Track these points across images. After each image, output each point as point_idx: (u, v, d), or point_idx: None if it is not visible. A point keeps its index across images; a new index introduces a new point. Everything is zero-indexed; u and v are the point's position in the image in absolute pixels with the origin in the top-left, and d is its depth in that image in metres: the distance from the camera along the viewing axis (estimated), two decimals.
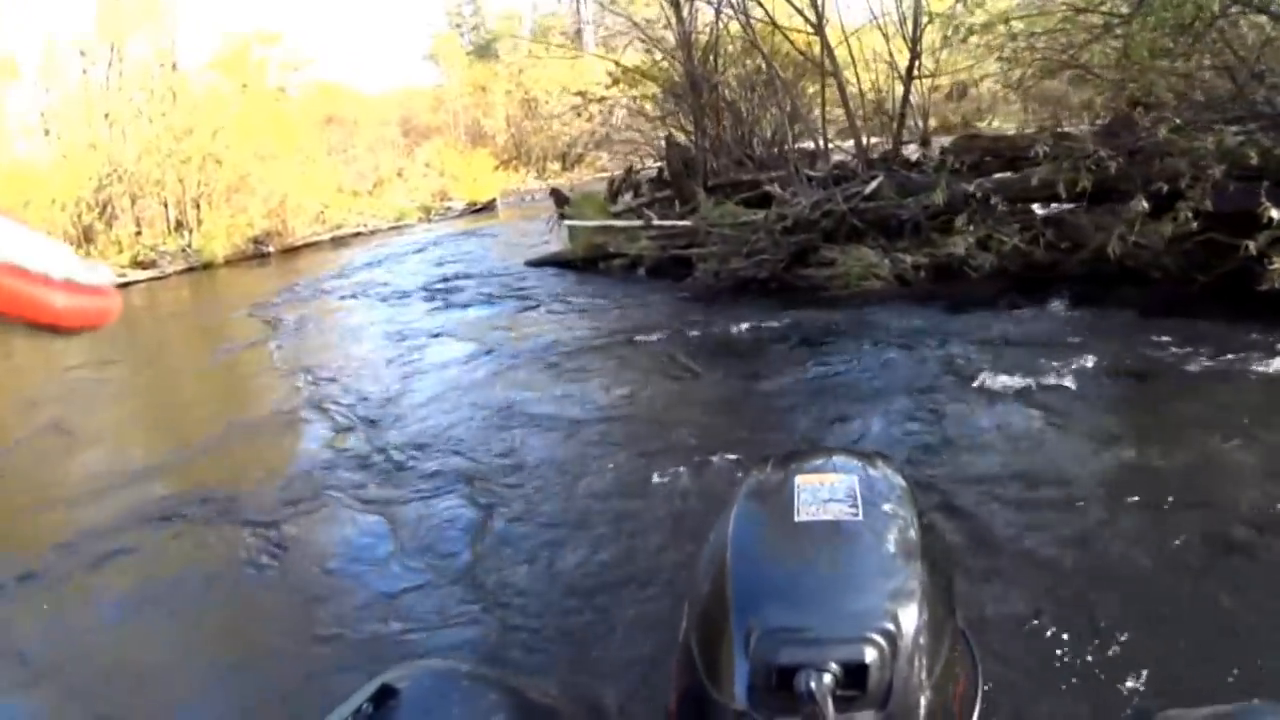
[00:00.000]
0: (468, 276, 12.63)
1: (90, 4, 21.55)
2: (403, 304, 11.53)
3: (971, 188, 8.40)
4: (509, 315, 9.85)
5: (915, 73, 9.68)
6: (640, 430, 5.83)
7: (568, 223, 11.86)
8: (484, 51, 43.23)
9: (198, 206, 20.43)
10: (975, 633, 1.27)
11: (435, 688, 1.16)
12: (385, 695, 1.07)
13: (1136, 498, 4.06)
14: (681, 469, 4.85)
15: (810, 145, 11.60)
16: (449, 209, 23.47)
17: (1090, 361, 5.96)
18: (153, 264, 18.58)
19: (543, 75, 32.69)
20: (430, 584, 4.09)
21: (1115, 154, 7.58)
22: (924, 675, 1.08)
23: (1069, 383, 5.68)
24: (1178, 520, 3.81)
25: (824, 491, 1.26)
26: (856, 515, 1.21)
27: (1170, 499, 4.01)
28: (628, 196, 13.29)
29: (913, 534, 1.21)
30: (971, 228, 8.22)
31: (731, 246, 9.07)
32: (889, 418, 5.50)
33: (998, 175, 8.63)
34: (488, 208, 23.57)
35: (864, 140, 10.02)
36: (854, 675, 1.03)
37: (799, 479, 1.29)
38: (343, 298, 12.86)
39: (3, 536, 5.50)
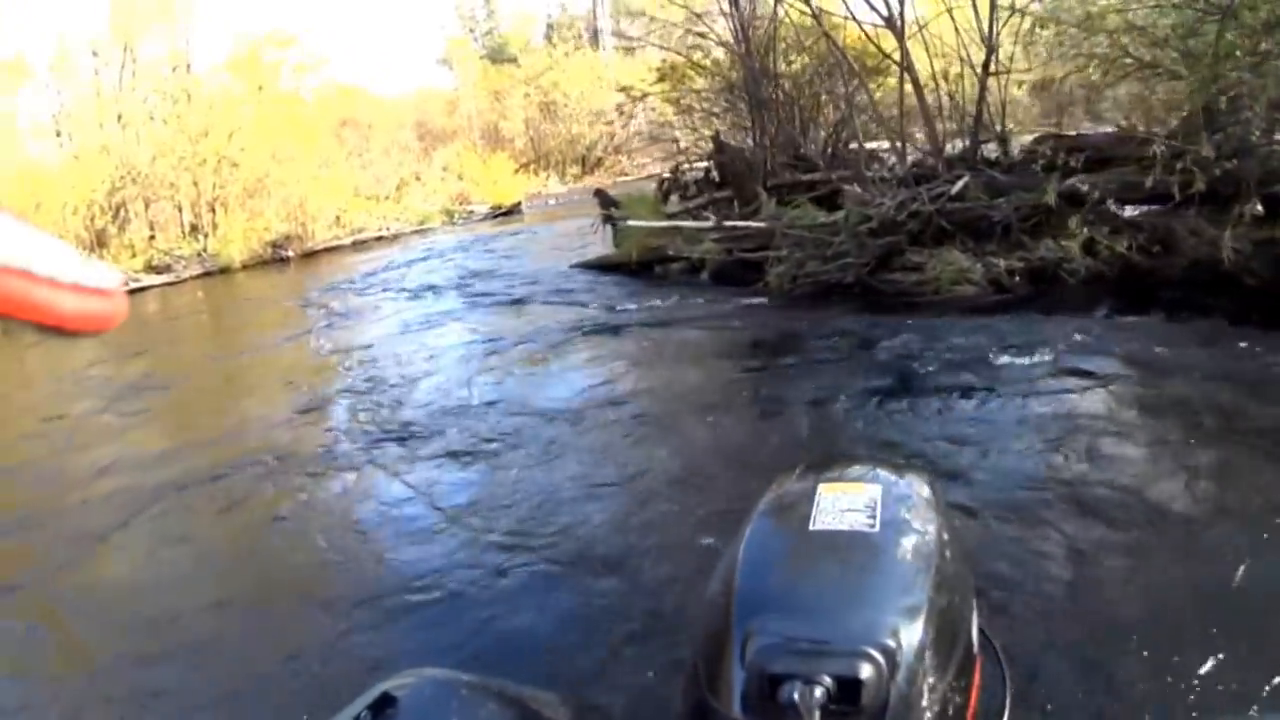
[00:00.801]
0: (513, 282, 11.94)
1: (103, 3, 21.04)
2: (451, 310, 10.88)
3: (1085, 188, 7.78)
4: (567, 323, 9.12)
5: (992, 68, 8.99)
6: (735, 453, 5.19)
7: (628, 223, 11.06)
8: (498, 55, 42.86)
9: (213, 210, 19.90)
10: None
11: (434, 696, 1.16)
12: (384, 703, 1.07)
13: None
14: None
15: (872, 145, 11.02)
16: (472, 212, 22.77)
17: (1207, 377, 5.43)
18: (167, 268, 18.09)
19: (561, 78, 32.28)
20: (460, 592, 3.95)
21: (1220, 156, 7.08)
22: (926, 694, 1.06)
23: (1189, 399, 5.14)
24: None
25: (844, 501, 1.25)
26: (873, 527, 1.21)
27: None
28: (676, 197, 12.61)
29: (930, 549, 1.19)
30: (1084, 229, 7.62)
31: (810, 250, 8.40)
32: (1017, 443, 4.83)
33: (1100, 175, 7.97)
34: (513, 211, 22.88)
35: (940, 137, 9.34)
36: (848, 690, 1.01)
37: (822, 488, 1.29)
38: (380, 304, 12.16)
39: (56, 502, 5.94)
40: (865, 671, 1.02)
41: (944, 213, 8.03)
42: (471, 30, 48.20)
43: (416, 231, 20.96)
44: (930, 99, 9.44)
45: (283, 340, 10.72)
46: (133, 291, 16.21)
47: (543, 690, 1.43)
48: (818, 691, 0.99)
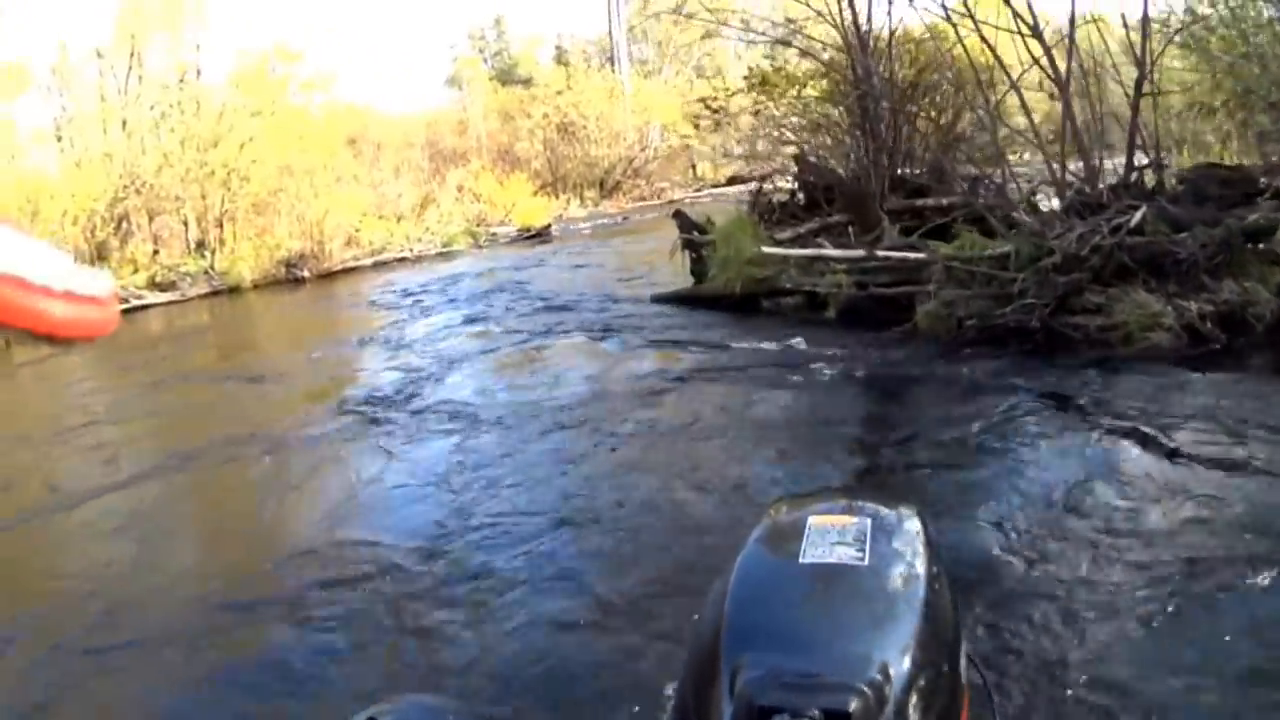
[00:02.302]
0: (583, 318, 10.37)
1: (109, 9, 19.95)
2: (519, 353, 9.23)
3: (1265, 223, 6.74)
4: (677, 374, 7.69)
5: (1145, 88, 7.86)
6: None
7: (762, 249, 9.32)
8: (507, 76, 42.32)
9: (220, 226, 18.66)
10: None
11: None
12: None
13: None
14: None
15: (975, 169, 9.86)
16: (494, 235, 21.50)
17: None
18: (172, 285, 16.81)
19: (580, 99, 31.36)
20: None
21: None
22: None
23: None
24: None
25: (833, 534, 1.26)
26: (862, 560, 1.21)
27: None
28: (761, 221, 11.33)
29: (919, 583, 1.20)
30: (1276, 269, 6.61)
31: (979, 287, 7.18)
32: None
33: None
34: (542, 234, 21.57)
35: (1098, 163, 8.15)
36: None
37: (812, 520, 1.30)
38: (426, 334, 10.74)
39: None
40: (854, 705, 1.01)
41: (1124, 247, 6.84)
42: (481, 51, 47.77)
43: (441, 254, 19.60)
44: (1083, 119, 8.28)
45: (323, 379, 9.27)
46: (134, 309, 15.14)
47: (526, 717, 1.84)
48: None
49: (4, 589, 4.84)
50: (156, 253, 18.15)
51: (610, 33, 38.49)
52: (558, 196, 27.39)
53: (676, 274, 10.93)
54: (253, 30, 35.76)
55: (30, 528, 5.70)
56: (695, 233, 10.70)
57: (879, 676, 1.04)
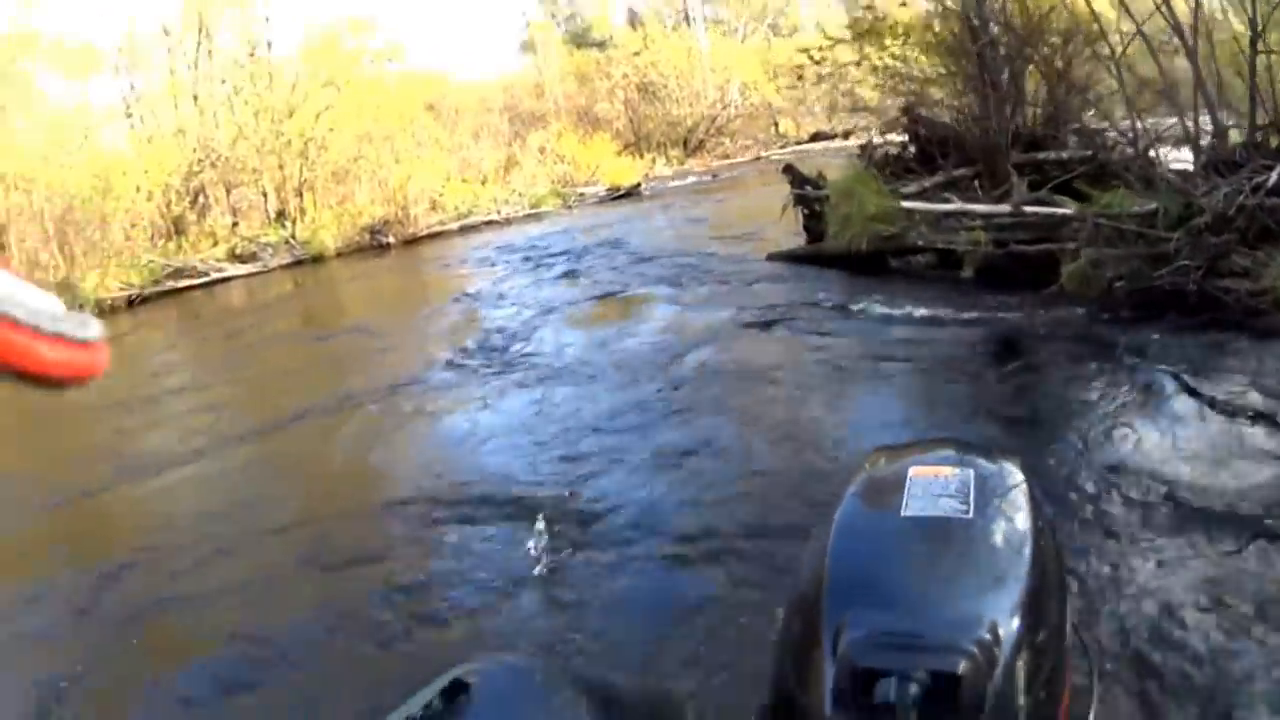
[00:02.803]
0: (696, 277, 9.50)
1: None
2: (635, 311, 8.58)
3: None
4: (790, 336, 6.94)
5: (1260, 46, 6.72)
6: None
7: (902, 203, 8.27)
8: (580, 40, 41.67)
9: (300, 195, 17.91)
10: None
11: (508, 685, 1.12)
12: (457, 690, 1.04)
13: None
14: None
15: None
16: (582, 195, 20.35)
17: None
18: (253, 257, 16.15)
19: (659, 58, 30.31)
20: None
21: None
22: (1024, 690, 1.01)
23: None
24: None
25: (936, 485, 1.20)
26: (967, 513, 1.15)
27: None
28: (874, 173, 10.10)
29: (1026, 538, 1.14)
30: None
31: (1131, 246, 6.20)
32: None
33: None
34: (631, 193, 20.38)
35: (1221, 120, 6.93)
36: (945, 686, 0.96)
37: (913, 470, 1.24)
38: (520, 297, 9.88)
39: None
40: (963, 667, 0.97)
41: (1265, 209, 5.87)
42: (553, 15, 47.17)
43: (530, 215, 18.51)
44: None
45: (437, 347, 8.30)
46: (214, 283, 14.45)
47: (617, 678, 1.61)
48: (913, 689, 0.94)
49: (127, 533, 5.10)
50: (235, 225, 17.63)
51: None
52: (642, 156, 26.18)
53: (787, 231, 9.85)
54: (322, 2, 35.36)
55: (141, 483, 5.79)
56: (808, 188, 9.52)
57: (988, 637, 0.99)
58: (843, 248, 8.56)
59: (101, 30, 19.03)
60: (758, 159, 28.17)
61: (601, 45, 37.36)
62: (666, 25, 36.68)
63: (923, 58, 10.27)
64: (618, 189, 20.60)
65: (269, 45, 19.62)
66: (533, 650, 3.19)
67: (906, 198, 8.37)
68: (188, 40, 19.24)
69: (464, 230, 17.67)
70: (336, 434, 6.16)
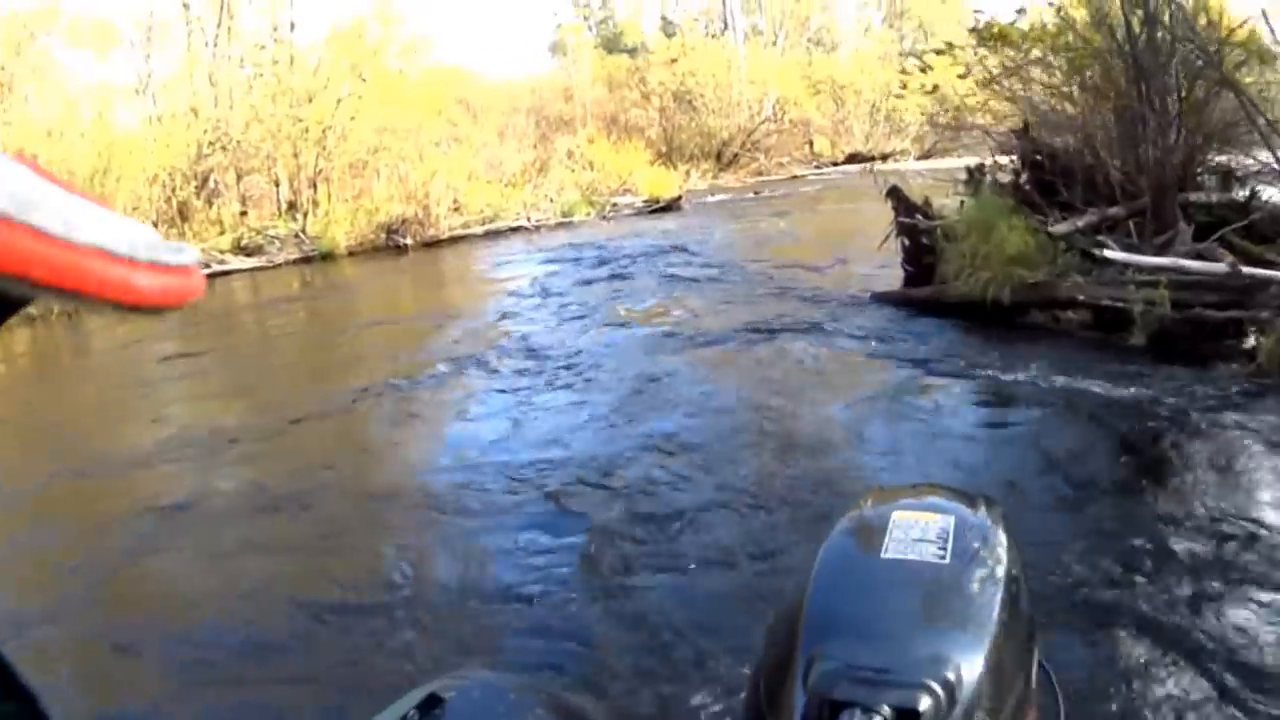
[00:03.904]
0: (779, 317, 7.84)
1: None
2: (708, 356, 6.85)
3: None
4: (918, 406, 5.50)
5: None
6: None
7: (1111, 254, 6.50)
8: (612, 45, 40.92)
9: (314, 187, 16.71)
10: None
11: (482, 699, 1.15)
12: (432, 704, 1.05)
13: None
14: None
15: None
16: (615, 205, 19.00)
17: None
18: (259, 250, 15.04)
19: (699, 66, 29.31)
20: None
21: None
22: None
23: None
24: None
25: (916, 530, 1.24)
26: (944, 559, 1.19)
27: None
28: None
29: (998, 585, 1.19)
30: None
31: None
32: None
33: None
34: (671, 207, 19.03)
35: None
36: None
37: (896, 515, 1.28)
38: (562, 322, 8.50)
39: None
40: (924, 704, 1.01)
41: None
42: (586, 18, 46.42)
43: (561, 224, 17.27)
44: None
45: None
46: (217, 275, 13.38)
47: (591, 697, 1.75)
48: None
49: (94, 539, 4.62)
50: (244, 214, 16.57)
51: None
52: (674, 167, 24.97)
53: (875, 263, 8.55)
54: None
55: (146, 467, 5.54)
56: (919, 216, 8.09)
57: (951, 677, 1.04)
58: (973, 292, 6.96)
59: (124, 7, 18.08)
60: (795, 177, 27.08)
61: (633, 52, 36.54)
62: (704, 33, 35.70)
63: (1043, 73, 8.83)
64: (656, 201, 19.32)
65: (292, 26, 18.67)
66: (507, 666, 3.09)
67: (1067, 238, 6.92)
68: (208, 19, 18.27)
69: (489, 235, 16.45)
70: (315, 448, 5.69)
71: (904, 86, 10.90)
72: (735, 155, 28.73)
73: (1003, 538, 1.26)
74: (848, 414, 5.39)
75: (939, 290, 7.62)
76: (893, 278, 8.33)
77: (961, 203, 8.17)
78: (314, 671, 3.19)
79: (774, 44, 36.88)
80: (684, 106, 29.12)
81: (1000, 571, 1.19)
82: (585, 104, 30.17)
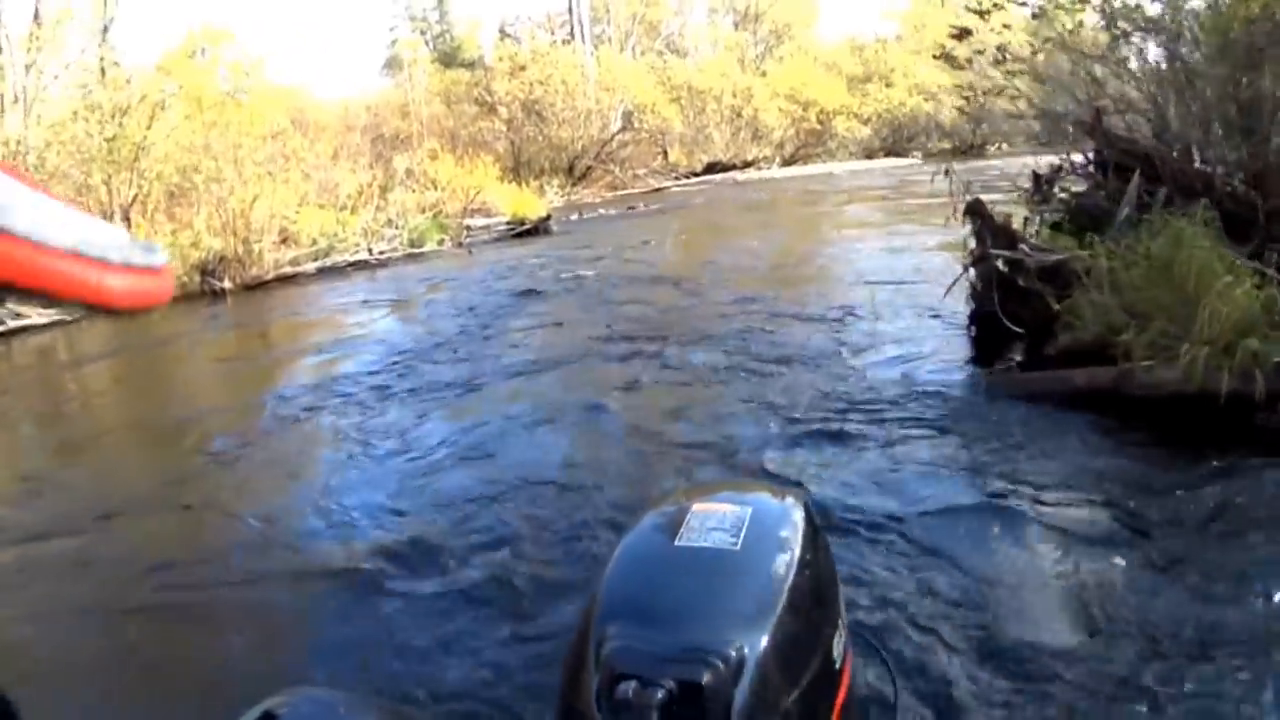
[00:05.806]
0: (843, 440, 4.64)
1: None
2: None
3: None
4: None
5: None
6: None
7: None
8: (449, 59, 39.77)
9: (127, 219, 14.54)
10: None
11: (315, 715, 1.14)
12: None
13: None
14: None
15: None
16: (469, 228, 16.86)
17: None
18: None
19: (553, 73, 27.97)
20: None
21: None
22: (776, 702, 1.09)
23: None
24: None
25: (712, 520, 1.30)
26: (735, 545, 1.25)
27: None
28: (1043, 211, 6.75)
29: (788, 567, 1.23)
30: None
31: None
32: None
33: None
34: (539, 229, 17.03)
35: None
36: (689, 694, 1.05)
37: (695, 508, 1.34)
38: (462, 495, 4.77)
39: None
40: (706, 677, 1.05)
41: None
42: (423, 33, 45.30)
43: (411, 255, 14.97)
44: None
45: None
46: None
47: (421, 709, 1.76)
48: (658, 693, 1.03)
49: None
50: None
51: (571, 5, 34.88)
52: (526, 183, 23.42)
53: (910, 315, 6.84)
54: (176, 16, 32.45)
55: None
56: (1022, 247, 5.71)
57: (733, 653, 1.08)
58: (1172, 381, 4.36)
59: None
60: (657, 190, 25.97)
61: (471, 65, 35.31)
62: (551, 41, 34.56)
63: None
64: (521, 222, 17.50)
65: (105, 30, 17.28)
66: (338, 683, 2.85)
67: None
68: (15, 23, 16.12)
69: (323, 273, 14.04)
70: None
71: (960, 38, 7.57)
72: (589, 168, 27.44)
73: (801, 524, 1.32)
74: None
75: (1122, 376, 4.59)
76: (956, 343, 6.11)
77: (1040, 224, 6.37)
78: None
79: (623, 50, 36.00)
80: (533, 118, 27.66)
81: (793, 555, 1.24)
82: (423, 120, 28.52)
